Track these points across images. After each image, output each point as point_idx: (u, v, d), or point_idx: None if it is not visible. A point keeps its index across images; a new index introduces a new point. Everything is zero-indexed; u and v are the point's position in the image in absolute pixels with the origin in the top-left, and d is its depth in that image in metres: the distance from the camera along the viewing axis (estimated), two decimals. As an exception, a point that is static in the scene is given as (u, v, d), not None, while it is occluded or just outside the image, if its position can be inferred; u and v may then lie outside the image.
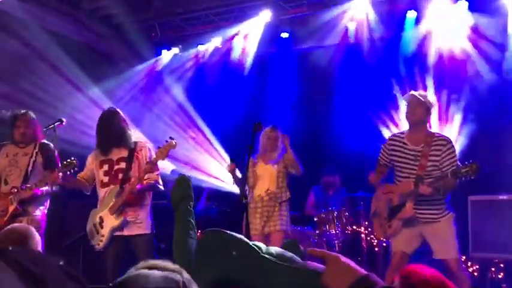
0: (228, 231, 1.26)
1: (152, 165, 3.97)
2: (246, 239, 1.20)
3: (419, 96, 3.75)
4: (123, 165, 4.03)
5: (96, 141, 4.17)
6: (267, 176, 4.74)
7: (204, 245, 1.25)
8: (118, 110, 4.20)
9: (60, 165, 4.12)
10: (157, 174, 4.08)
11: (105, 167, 4.07)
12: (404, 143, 3.83)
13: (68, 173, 4.01)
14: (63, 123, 4.20)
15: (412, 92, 3.85)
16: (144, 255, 3.74)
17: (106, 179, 4.05)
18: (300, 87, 7.07)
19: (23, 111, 4.44)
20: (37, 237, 2.37)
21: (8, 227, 2.46)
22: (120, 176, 4.00)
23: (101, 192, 4.08)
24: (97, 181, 4.13)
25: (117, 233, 3.95)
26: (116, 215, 3.92)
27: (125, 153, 4.06)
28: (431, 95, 3.87)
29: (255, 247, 1.16)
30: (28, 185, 4.19)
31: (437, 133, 3.90)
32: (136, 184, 3.92)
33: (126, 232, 3.96)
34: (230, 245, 1.18)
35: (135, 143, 4.12)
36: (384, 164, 3.99)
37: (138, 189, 3.96)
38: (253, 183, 4.79)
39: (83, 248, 6.06)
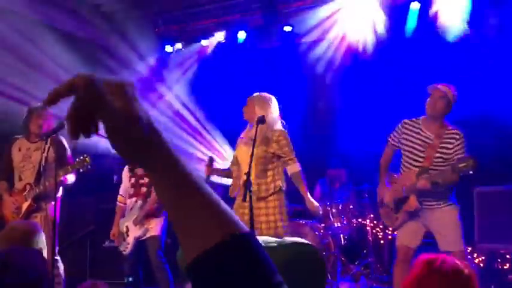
0: None
1: None
2: None
3: (442, 90, 3.75)
4: (146, 179, 4.56)
5: None
6: (246, 161, 3.70)
7: None
8: None
9: (72, 161, 4.27)
10: None
11: (133, 180, 4.66)
12: (420, 129, 3.83)
13: (81, 170, 4.19)
14: (65, 127, 4.09)
15: (436, 85, 3.82)
16: (151, 252, 4.50)
17: (132, 191, 4.64)
18: (304, 80, 7.05)
19: (40, 105, 4.47)
20: (41, 235, 2.37)
21: (10, 224, 2.48)
22: (144, 189, 4.57)
23: (128, 202, 4.66)
24: (127, 192, 4.72)
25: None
26: (138, 226, 4.49)
27: None
28: (453, 89, 3.83)
29: None
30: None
31: (450, 125, 3.85)
32: (155, 200, 4.46)
33: (144, 237, 4.58)
34: None
35: None
36: (393, 144, 3.99)
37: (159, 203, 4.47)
38: (236, 170, 4.06)
39: (90, 243, 6.11)
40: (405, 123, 3.94)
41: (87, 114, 0.65)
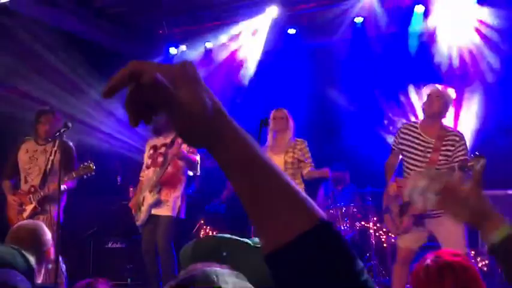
0: (220, 234, 1.26)
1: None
2: (235, 237, 1.20)
3: (439, 89, 3.78)
4: (163, 150, 4.44)
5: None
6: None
7: (197, 252, 1.24)
8: None
9: (77, 168, 4.30)
10: (197, 157, 4.48)
11: (151, 151, 4.56)
12: (418, 133, 3.83)
13: (85, 177, 4.24)
14: (70, 128, 4.05)
15: (433, 84, 3.87)
16: (161, 234, 4.22)
17: (149, 162, 4.54)
18: (308, 83, 7.05)
19: (47, 108, 4.54)
20: (47, 235, 2.40)
21: (17, 224, 2.51)
22: (160, 159, 4.42)
23: (145, 174, 4.55)
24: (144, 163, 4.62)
25: (153, 212, 4.37)
26: (153, 193, 4.34)
27: (168, 140, 4.44)
28: (451, 91, 3.87)
29: (244, 242, 1.16)
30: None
31: (451, 127, 3.91)
32: (176, 153, 4.24)
33: (156, 211, 4.37)
34: (221, 246, 1.18)
35: None
36: (395, 149, 3.98)
37: (180, 156, 4.29)
38: None
39: (93, 244, 6.12)
40: (404, 127, 3.97)
41: (146, 103, 0.62)
